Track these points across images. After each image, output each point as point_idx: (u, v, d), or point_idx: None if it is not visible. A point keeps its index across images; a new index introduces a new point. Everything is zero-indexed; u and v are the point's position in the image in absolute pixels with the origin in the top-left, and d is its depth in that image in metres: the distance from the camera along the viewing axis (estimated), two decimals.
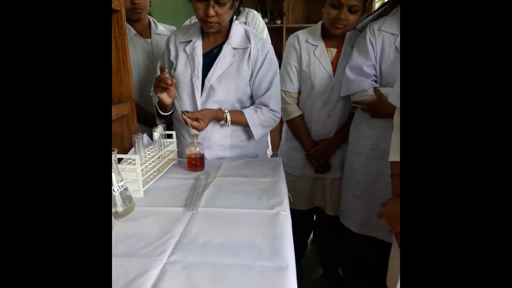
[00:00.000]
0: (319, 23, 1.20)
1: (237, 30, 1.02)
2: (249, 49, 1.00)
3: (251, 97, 1.06)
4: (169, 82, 0.90)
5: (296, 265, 0.54)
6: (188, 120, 0.93)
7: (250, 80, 1.02)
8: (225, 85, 0.99)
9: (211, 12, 0.88)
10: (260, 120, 1.03)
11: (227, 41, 1.00)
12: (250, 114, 1.02)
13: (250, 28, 1.06)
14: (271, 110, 1.04)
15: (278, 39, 2.84)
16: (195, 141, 0.93)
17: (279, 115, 1.08)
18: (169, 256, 0.54)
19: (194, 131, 0.93)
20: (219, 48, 1.01)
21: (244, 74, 1.00)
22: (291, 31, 3.00)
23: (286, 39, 2.87)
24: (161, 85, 0.91)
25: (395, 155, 0.84)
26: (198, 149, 0.94)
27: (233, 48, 1.00)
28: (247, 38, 1.01)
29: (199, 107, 1.01)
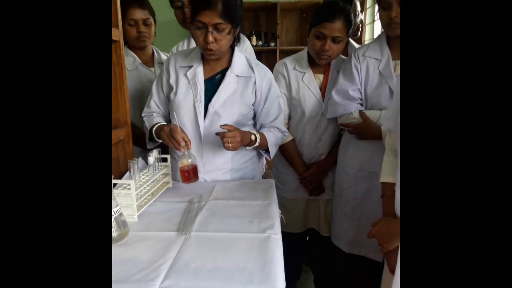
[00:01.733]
0: (305, 50, 1.25)
1: (239, 58, 1.05)
2: (253, 78, 1.04)
3: (251, 118, 1.10)
4: (190, 147, 0.91)
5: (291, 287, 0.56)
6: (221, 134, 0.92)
7: (255, 107, 1.07)
8: (229, 111, 1.02)
9: (210, 38, 0.90)
10: (276, 140, 1.09)
11: (230, 68, 1.03)
12: (269, 136, 1.06)
13: (250, 57, 1.10)
14: (282, 131, 1.12)
15: (271, 60, 2.94)
16: (186, 152, 0.91)
17: (286, 133, 1.17)
18: (162, 281, 0.56)
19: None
20: (221, 74, 1.04)
21: (247, 101, 1.04)
22: (284, 53, 3.11)
23: (280, 60, 2.98)
24: (175, 144, 0.90)
25: (386, 176, 0.87)
26: (190, 160, 0.92)
27: (236, 75, 1.03)
28: (250, 67, 1.05)
29: (202, 133, 1.02)
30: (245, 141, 0.99)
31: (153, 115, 1.10)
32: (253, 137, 1.01)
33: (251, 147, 1.03)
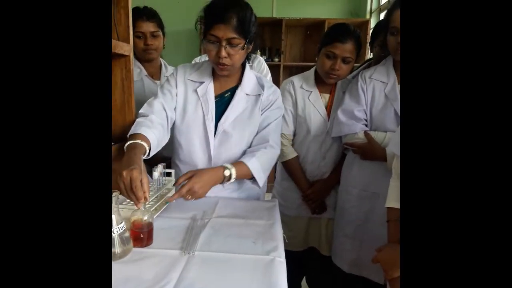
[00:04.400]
0: (312, 70, 1.28)
1: (250, 76, 1.03)
2: (261, 95, 1.01)
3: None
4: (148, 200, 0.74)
5: None
6: (176, 195, 0.85)
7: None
8: (239, 130, 1.00)
9: (223, 53, 0.88)
10: (262, 164, 0.97)
11: (240, 87, 1.00)
12: (252, 162, 0.94)
13: (261, 75, 1.08)
14: (270, 145, 0.99)
15: (275, 75, 2.97)
16: (142, 207, 0.72)
17: (278, 152, 1.04)
18: None
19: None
20: (231, 92, 1.02)
21: (255, 121, 1.02)
22: (288, 68, 3.16)
23: (283, 76, 3.03)
24: (133, 199, 0.73)
25: (393, 202, 0.86)
26: (146, 217, 0.73)
27: (246, 94, 1.01)
28: (260, 85, 1.03)
29: (213, 152, 1.00)
30: (215, 182, 0.91)
31: (147, 120, 0.91)
32: (227, 173, 0.91)
33: (229, 183, 0.95)
